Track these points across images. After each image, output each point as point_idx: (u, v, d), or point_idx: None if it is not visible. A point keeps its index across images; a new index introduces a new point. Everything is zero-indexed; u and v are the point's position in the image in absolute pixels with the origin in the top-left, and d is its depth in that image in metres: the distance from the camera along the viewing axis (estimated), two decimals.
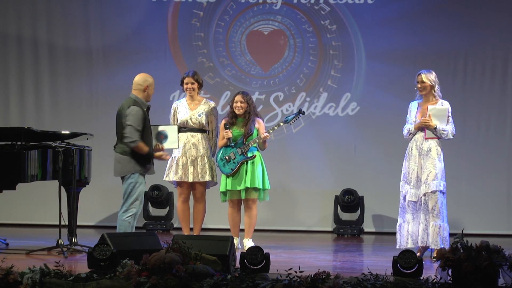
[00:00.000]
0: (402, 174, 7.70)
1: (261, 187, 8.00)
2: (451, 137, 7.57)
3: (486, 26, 9.89)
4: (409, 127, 7.67)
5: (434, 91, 7.57)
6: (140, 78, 7.20)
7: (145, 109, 7.12)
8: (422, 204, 7.47)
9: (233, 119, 8.10)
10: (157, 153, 7.28)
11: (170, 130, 7.53)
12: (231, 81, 10.21)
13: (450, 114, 7.57)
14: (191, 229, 8.37)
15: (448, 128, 7.51)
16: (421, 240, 7.43)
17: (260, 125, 8.11)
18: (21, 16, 10.36)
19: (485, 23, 9.89)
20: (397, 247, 7.45)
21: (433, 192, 7.42)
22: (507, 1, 9.92)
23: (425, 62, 9.88)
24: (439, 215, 7.40)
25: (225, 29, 10.23)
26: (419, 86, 7.60)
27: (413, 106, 7.74)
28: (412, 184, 7.55)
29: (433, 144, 7.53)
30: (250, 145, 7.99)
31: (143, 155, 7.08)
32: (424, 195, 7.45)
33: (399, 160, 9.86)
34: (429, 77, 7.55)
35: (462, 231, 5.73)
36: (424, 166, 7.49)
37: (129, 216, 7.06)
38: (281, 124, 8.12)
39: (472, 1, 9.97)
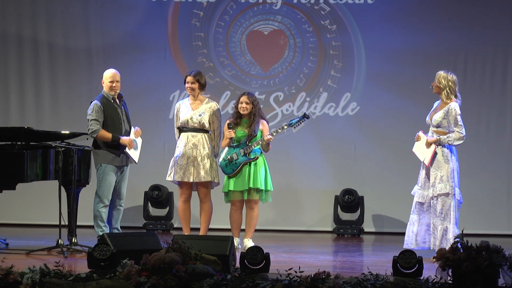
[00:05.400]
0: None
1: (263, 188, 7.98)
2: (459, 142, 7.40)
3: (486, 26, 9.88)
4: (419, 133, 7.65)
5: (445, 93, 7.46)
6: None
7: None
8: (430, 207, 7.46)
9: (237, 120, 8.07)
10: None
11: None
12: (231, 81, 10.21)
13: (459, 117, 7.40)
14: (192, 229, 8.35)
15: (451, 136, 7.39)
16: (421, 240, 7.42)
17: (264, 126, 8.08)
18: (21, 16, 10.35)
19: (485, 23, 9.88)
20: (404, 246, 7.43)
21: (444, 194, 7.38)
22: (507, 1, 9.92)
23: (425, 62, 9.89)
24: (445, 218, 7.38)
25: (225, 29, 10.22)
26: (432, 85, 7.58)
27: (434, 106, 7.68)
28: (420, 185, 7.53)
29: (438, 147, 7.49)
30: (253, 147, 7.96)
31: None
32: (432, 198, 7.43)
33: (399, 160, 9.93)
34: (439, 78, 7.50)
35: (462, 231, 5.75)
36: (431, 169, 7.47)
37: None
38: (285, 127, 8.09)
39: (472, 1, 9.96)
